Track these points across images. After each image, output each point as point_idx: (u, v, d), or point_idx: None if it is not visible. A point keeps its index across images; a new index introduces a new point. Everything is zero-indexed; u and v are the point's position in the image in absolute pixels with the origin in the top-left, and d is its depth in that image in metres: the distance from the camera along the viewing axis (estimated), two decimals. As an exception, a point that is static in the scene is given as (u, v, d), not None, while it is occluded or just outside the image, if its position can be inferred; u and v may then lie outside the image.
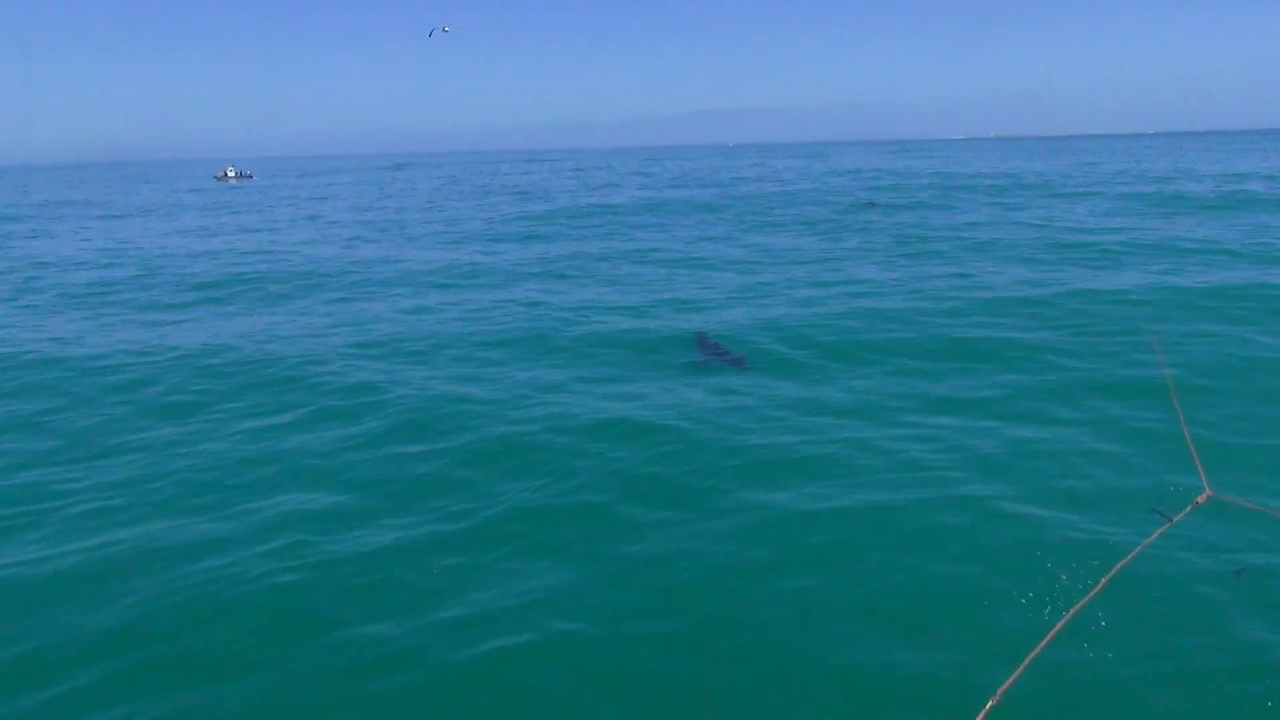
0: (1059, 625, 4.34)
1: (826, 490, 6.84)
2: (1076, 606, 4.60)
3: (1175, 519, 5.59)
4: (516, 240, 25.76)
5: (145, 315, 15.38)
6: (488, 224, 31.02)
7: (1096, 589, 4.82)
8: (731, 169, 71.01)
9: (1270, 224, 22.06)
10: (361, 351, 11.83)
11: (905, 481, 6.99)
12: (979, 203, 31.94)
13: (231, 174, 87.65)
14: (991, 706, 3.58)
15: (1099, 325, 11.81)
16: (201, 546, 6.10)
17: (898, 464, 7.33)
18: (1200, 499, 5.76)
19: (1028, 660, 3.93)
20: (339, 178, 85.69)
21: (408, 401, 9.31)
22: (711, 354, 10.84)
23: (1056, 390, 9.18)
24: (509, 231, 28.20)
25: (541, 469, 7.35)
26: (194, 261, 22.50)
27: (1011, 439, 7.84)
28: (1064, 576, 5.39)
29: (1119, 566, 4.98)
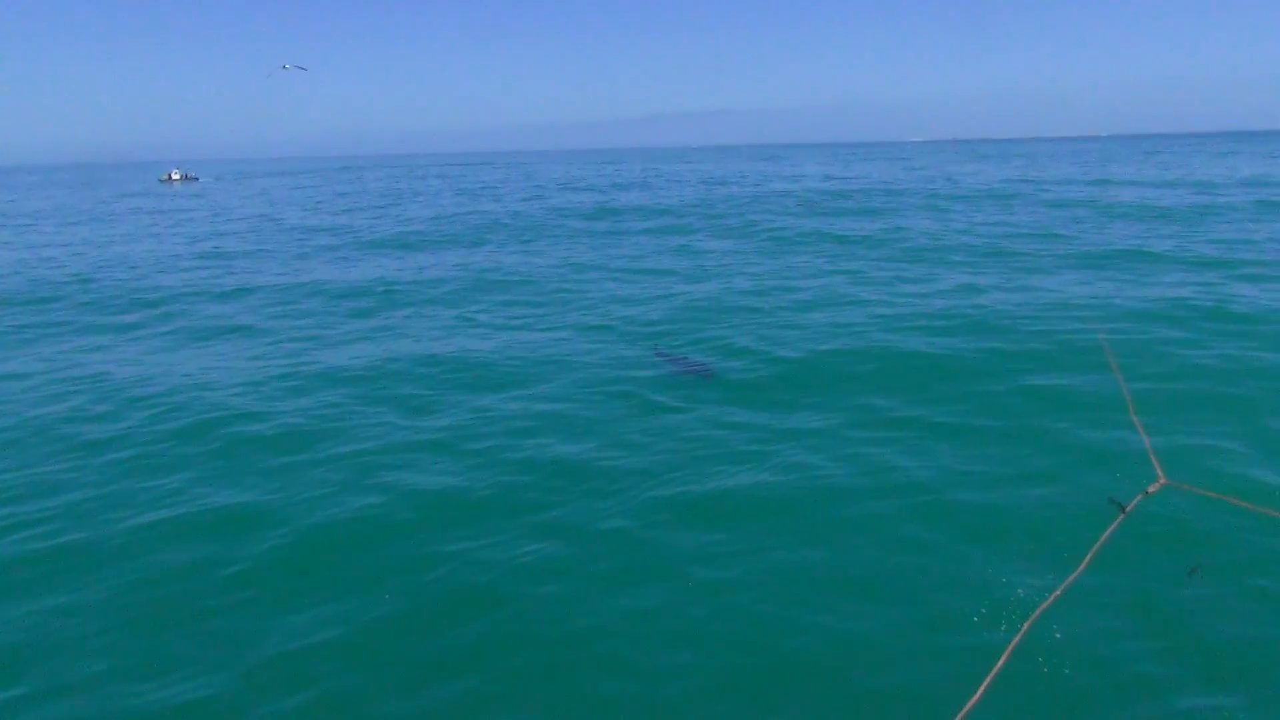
0: (1016, 639, 4.18)
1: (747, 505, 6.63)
2: (1034, 614, 4.47)
3: (1128, 508, 5.43)
4: (433, 248, 24.56)
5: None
6: (408, 229, 29.69)
7: (1049, 600, 4.68)
8: (676, 173, 70.62)
9: (1193, 233, 22.15)
10: (231, 378, 10.72)
11: (851, 484, 6.86)
12: (917, 206, 32.01)
13: (176, 176, 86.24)
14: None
15: (1035, 328, 11.76)
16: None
17: (841, 468, 7.19)
18: (1152, 488, 5.65)
19: (994, 673, 3.76)
20: (284, 180, 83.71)
21: (240, 433, 8.54)
22: (676, 365, 10.38)
23: (994, 391, 9.14)
24: (430, 237, 27.14)
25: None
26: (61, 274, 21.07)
27: (955, 442, 7.74)
28: (1020, 591, 5.24)
29: (1073, 576, 4.85)
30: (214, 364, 11.68)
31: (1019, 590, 5.21)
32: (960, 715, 3.50)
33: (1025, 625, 4.38)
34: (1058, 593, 4.72)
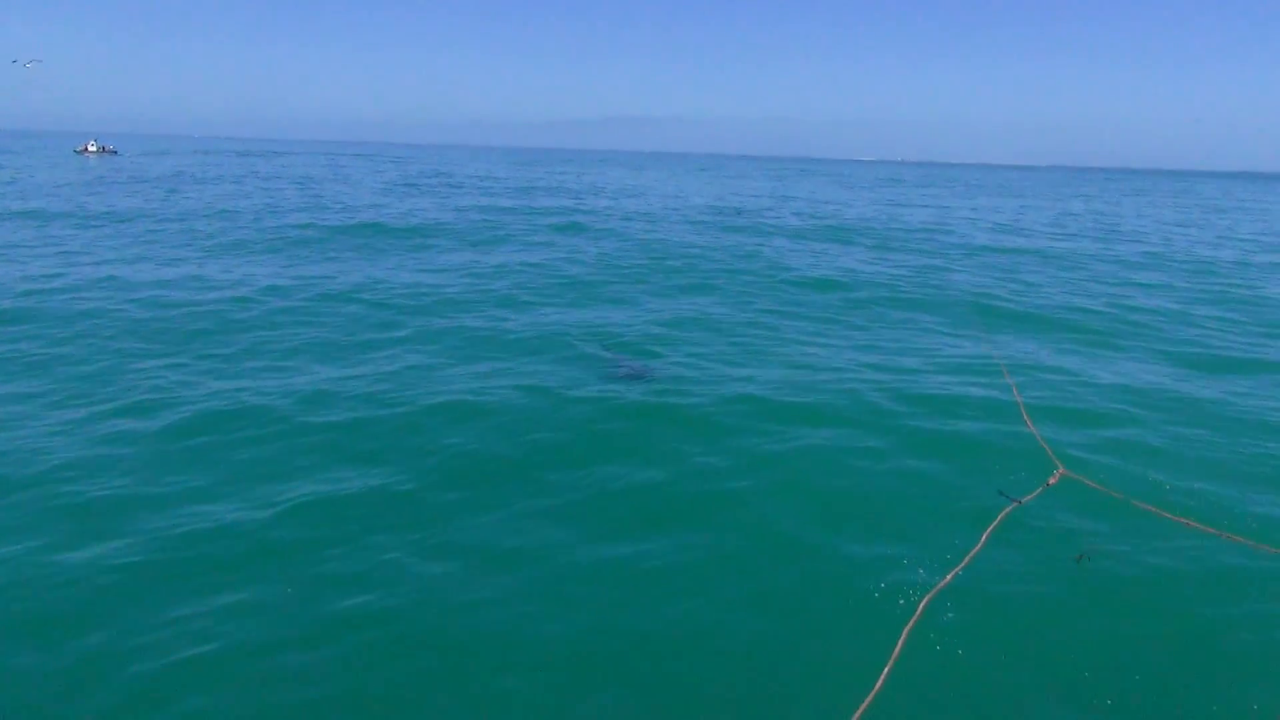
0: (910, 622, 4.29)
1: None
2: (926, 599, 4.57)
3: (1028, 498, 5.57)
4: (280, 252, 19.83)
5: None
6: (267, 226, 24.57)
7: (943, 583, 4.83)
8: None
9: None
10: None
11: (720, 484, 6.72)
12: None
13: (93, 148, 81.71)
14: (865, 709, 3.43)
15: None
16: None
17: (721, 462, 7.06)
18: (1052, 479, 5.79)
19: (893, 660, 3.79)
20: (189, 159, 78.38)
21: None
22: (621, 366, 10.00)
23: (875, 397, 9.10)
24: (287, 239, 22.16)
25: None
26: None
27: (840, 445, 7.66)
28: (921, 570, 5.33)
29: (968, 558, 5.08)
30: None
31: (920, 570, 5.33)
32: (870, 695, 3.53)
33: (923, 602, 4.55)
34: (957, 569, 4.91)
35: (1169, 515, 5.75)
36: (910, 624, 4.28)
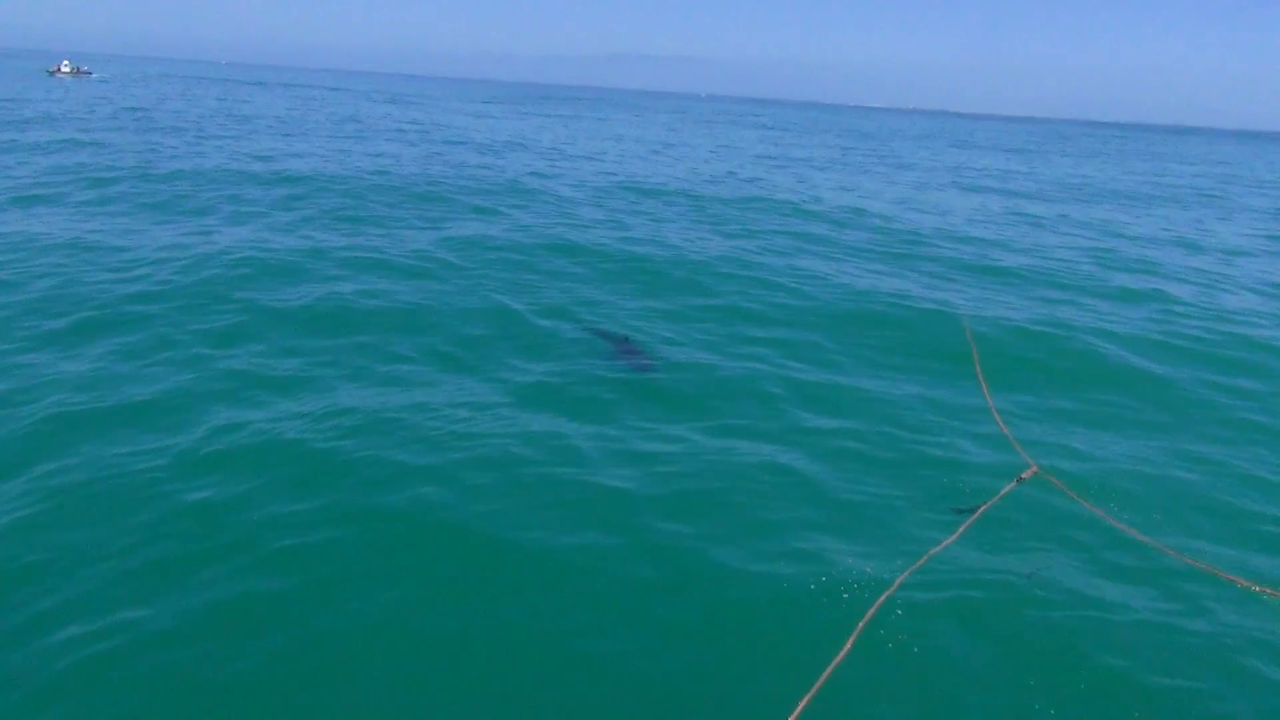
0: (870, 614, 4.19)
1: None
2: (880, 600, 4.37)
3: (1001, 494, 5.46)
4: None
5: None
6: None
7: (902, 577, 4.62)
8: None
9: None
10: None
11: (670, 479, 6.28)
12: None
13: (67, 69, 79.91)
14: (804, 706, 3.40)
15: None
16: None
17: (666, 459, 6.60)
18: (1026, 474, 5.43)
19: (850, 641, 3.76)
20: (168, 84, 75.01)
21: None
22: (633, 360, 9.14)
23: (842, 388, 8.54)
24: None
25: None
26: None
27: (810, 442, 7.15)
28: (868, 569, 5.12)
29: (925, 559, 4.75)
30: None
31: (869, 568, 5.07)
32: (815, 687, 3.50)
33: (880, 599, 4.46)
34: (904, 576, 4.69)
35: (1137, 534, 5.40)
36: (867, 617, 4.24)
